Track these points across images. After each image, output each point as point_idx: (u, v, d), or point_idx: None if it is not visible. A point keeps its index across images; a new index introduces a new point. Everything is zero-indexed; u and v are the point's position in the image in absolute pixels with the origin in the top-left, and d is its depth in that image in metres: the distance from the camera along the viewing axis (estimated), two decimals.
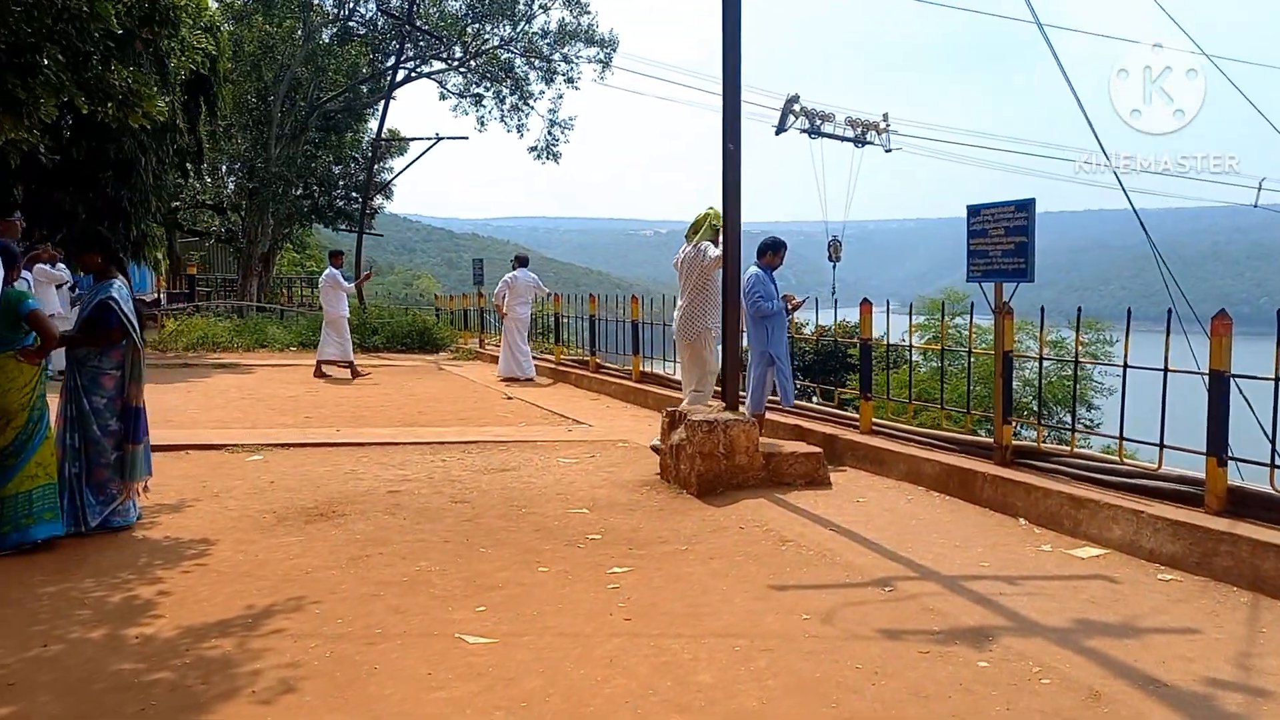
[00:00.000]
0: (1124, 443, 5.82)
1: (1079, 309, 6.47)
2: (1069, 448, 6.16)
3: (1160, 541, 5.03)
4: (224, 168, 29.44)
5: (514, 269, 14.66)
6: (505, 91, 30.80)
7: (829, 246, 37.11)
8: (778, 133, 42.73)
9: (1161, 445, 5.54)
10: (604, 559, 5.16)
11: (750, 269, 8.35)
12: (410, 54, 30.72)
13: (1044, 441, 6.58)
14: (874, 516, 6.10)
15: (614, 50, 29.53)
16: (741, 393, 7.88)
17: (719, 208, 7.86)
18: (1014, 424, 6.58)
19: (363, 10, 30.27)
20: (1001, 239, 6.37)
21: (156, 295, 27.48)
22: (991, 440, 6.59)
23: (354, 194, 39.45)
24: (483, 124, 32.49)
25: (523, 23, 29.78)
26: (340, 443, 8.62)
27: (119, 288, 5.47)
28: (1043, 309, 6.82)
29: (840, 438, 7.84)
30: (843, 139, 41.42)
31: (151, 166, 17.66)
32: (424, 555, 5.19)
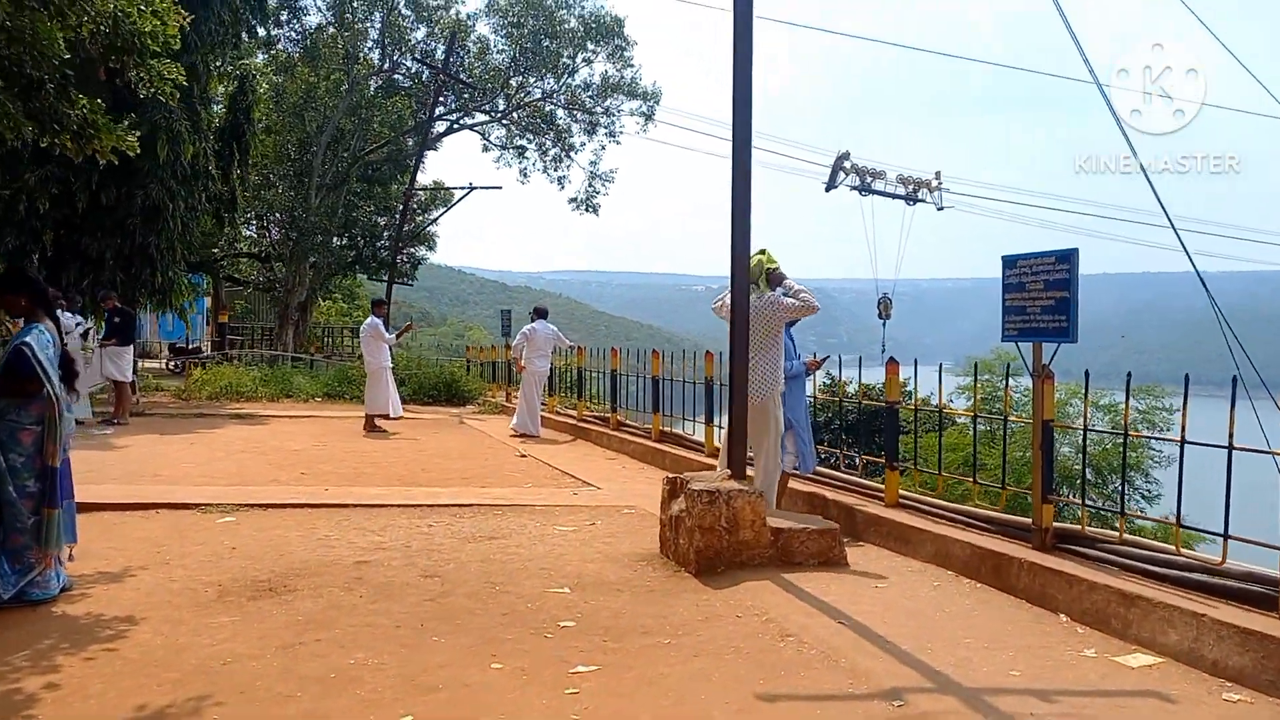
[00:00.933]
0: (1182, 529, 5.04)
1: (1129, 374, 5.73)
2: (1118, 533, 5.37)
3: (1225, 652, 4.24)
4: (265, 217, 29.48)
5: (532, 320, 14.15)
6: (548, 144, 30.67)
7: (879, 304, 36.50)
8: (828, 189, 42.21)
9: (1226, 536, 4.75)
10: (571, 653, 4.47)
11: None
12: (453, 105, 30.77)
13: (1090, 521, 5.80)
14: (892, 606, 5.35)
15: (656, 103, 29.34)
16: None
17: (770, 250, 7.27)
18: (1058, 501, 5.81)
19: (408, 64, 30.41)
20: (1040, 294, 5.66)
21: (198, 344, 27.44)
22: (1031, 520, 5.82)
23: (400, 245, 39.65)
24: (525, 175, 32.40)
25: (566, 75, 29.70)
26: (324, 504, 8.04)
27: (39, 334, 4.95)
28: (1087, 373, 6.08)
29: (862, 511, 7.10)
30: (894, 196, 40.81)
31: (180, 213, 17.52)
32: (367, 644, 4.54)
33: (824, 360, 7.92)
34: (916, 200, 40.97)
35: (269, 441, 12.50)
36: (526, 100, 29.72)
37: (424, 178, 36.53)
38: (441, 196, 38.62)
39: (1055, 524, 5.74)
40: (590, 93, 29.40)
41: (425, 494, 8.66)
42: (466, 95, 29.71)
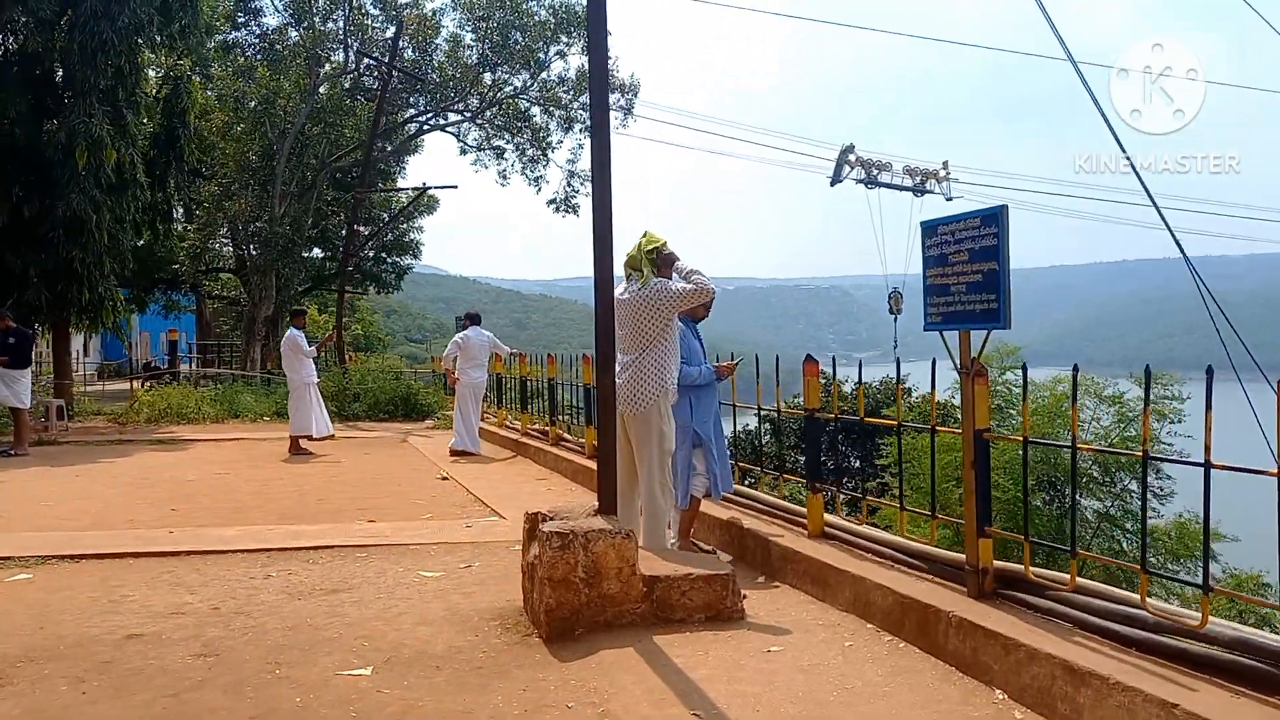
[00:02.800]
0: (1150, 577, 3.74)
1: (1075, 369, 4.42)
2: (1069, 577, 4.06)
3: None
4: (233, 229, 28.37)
5: (463, 328, 12.91)
6: (526, 144, 29.46)
7: (889, 299, 35.48)
8: (833, 183, 41.02)
9: (1207, 589, 3.45)
10: None
11: None
12: (424, 106, 29.62)
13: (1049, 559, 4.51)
14: (778, 683, 4.07)
15: (635, 95, 28.08)
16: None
17: (656, 231, 6.03)
18: (997, 535, 4.52)
19: (374, 63, 29.25)
20: (965, 268, 4.37)
21: (150, 360, 26.37)
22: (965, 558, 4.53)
23: (384, 254, 38.55)
24: (505, 178, 31.22)
25: (539, 70, 28.47)
26: (155, 551, 6.82)
27: None
28: (1025, 366, 4.78)
29: (778, 544, 5.81)
30: (901, 188, 39.59)
31: (106, 225, 16.37)
32: None
33: (739, 363, 6.64)
34: (925, 191, 39.74)
35: (168, 471, 11.31)
36: (498, 97, 28.49)
37: (405, 183, 35.50)
38: (427, 204, 37.56)
39: (998, 563, 4.45)
40: (565, 87, 28.16)
41: (288, 534, 7.43)
42: (437, 95, 28.53)
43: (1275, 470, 3.07)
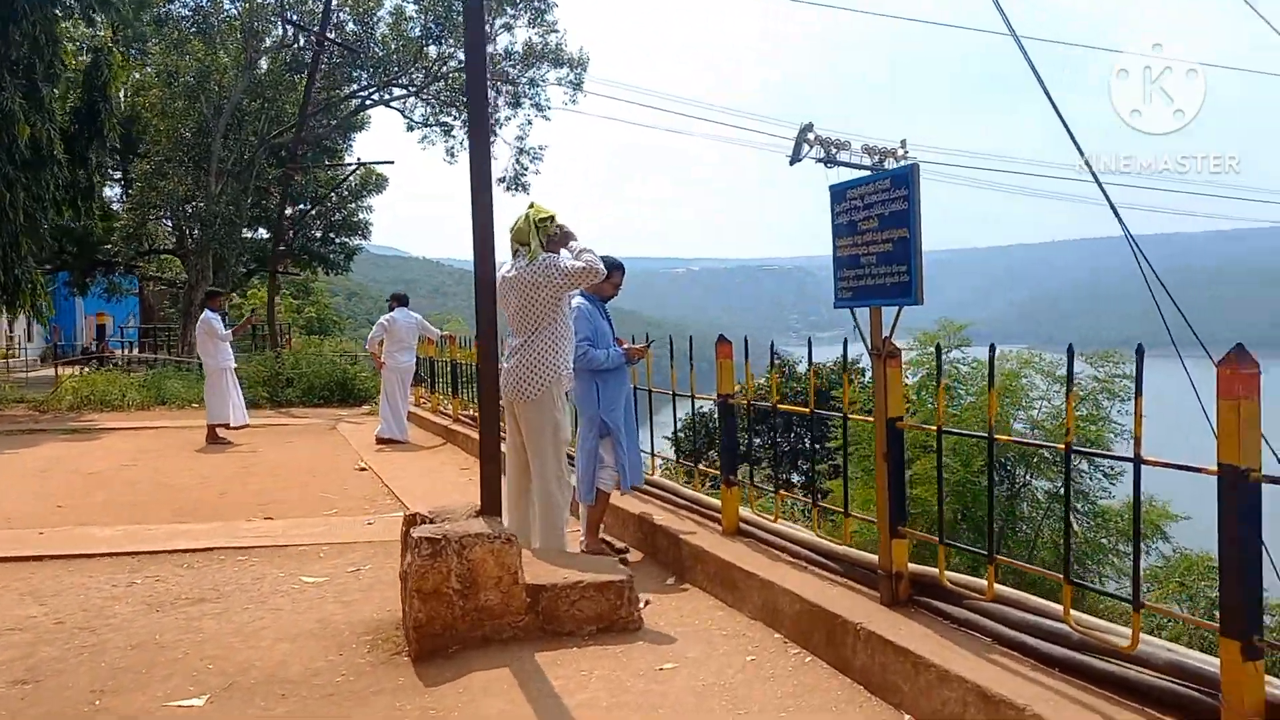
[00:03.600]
0: (1079, 589, 3.29)
1: (993, 348, 3.95)
2: (987, 584, 3.60)
3: None
4: (169, 209, 27.39)
5: (391, 309, 12.30)
6: None
7: None
8: (792, 162, 40.49)
9: (1137, 605, 3.00)
10: None
11: (573, 302, 5.92)
12: (366, 81, 28.75)
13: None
14: (668, 708, 3.59)
15: (584, 70, 27.35)
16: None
17: (544, 204, 5.51)
18: (914, 537, 4.06)
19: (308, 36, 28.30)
20: (875, 236, 3.88)
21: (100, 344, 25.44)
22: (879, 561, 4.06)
23: (332, 235, 37.62)
24: (453, 155, 30.43)
25: (491, 43, 27.63)
26: (14, 556, 6.22)
27: None
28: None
29: (689, 543, 5.32)
30: (859, 167, 39.17)
31: (22, 204, 15.54)
32: None
33: (650, 344, 6.13)
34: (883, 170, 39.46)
35: (73, 463, 10.64)
36: (444, 71, 27.67)
37: (353, 160, 34.57)
38: (376, 183, 36.68)
39: (914, 566, 3.99)
40: (512, 61, 27.38)
41: (168, 534, 6.85)
42: (380, 69, 27.67)
43: (1214, 468, 2.61)
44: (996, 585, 3.58)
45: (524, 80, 27.35)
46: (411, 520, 4.75)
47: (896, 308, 3.86)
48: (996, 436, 3.49)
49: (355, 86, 28.67)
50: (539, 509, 5.33)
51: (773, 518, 5.12)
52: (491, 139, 28.23)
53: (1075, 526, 16.20)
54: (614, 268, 5.97)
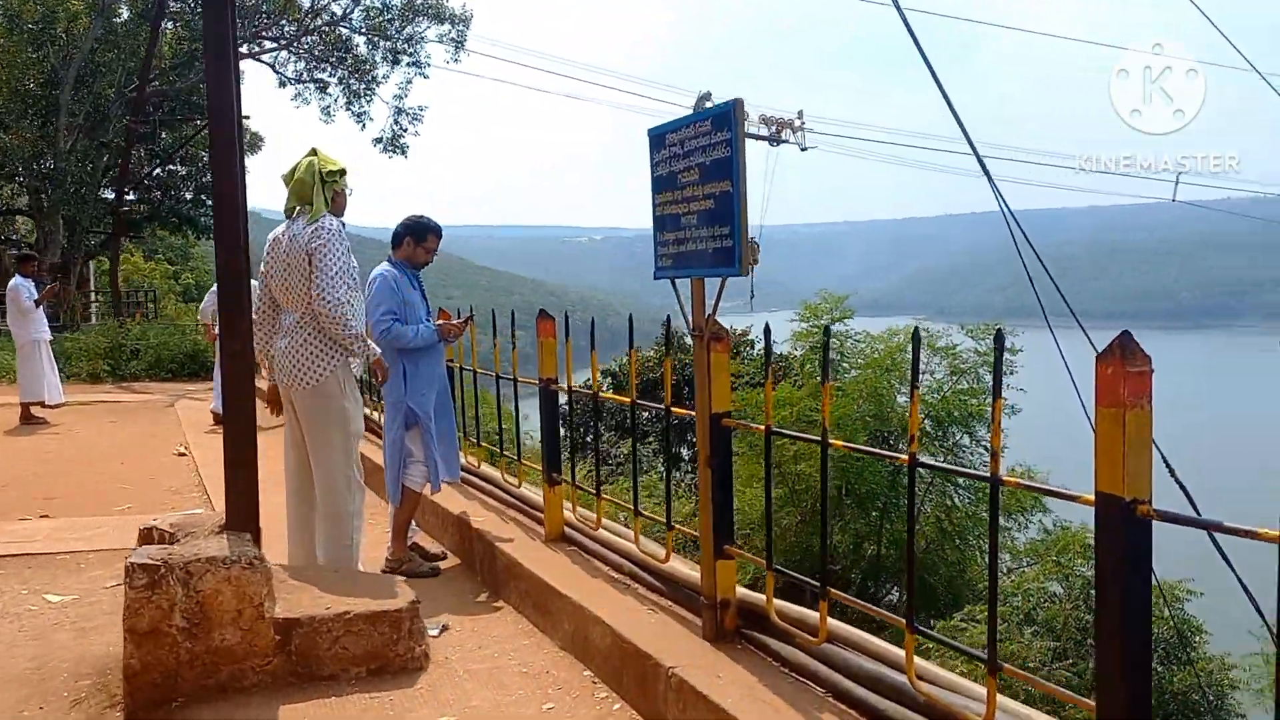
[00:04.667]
0: (919, 634, 2.62)
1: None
2: (819, 624, 2.90)
3: None
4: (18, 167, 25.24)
5: None
6: (351, 77, 27.14)
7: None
8: None
9: (993, 667, 2.32)
10: None
11: (378, 269, 5.07)
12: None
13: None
14: None
15: (466, 28, 26.07)
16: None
17: (331, 154, 4.62)
18: (740, 556, 3.34)
19: None
20: (696, 190, 3.14)
21: None
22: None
23: (204, 196, 35.52)
24: (329, 114, 28.81)
25: None
26: None
27: None
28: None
29: (503, 552, 4.55)
30: (757, 138, 38.81)
31: None
32: None
33: (466, 322, 5.31)
34: (780, 141, 39.10)
35: None
36: (316, 25, 26.08)
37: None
38: (249, 141, 34.69)
39: (745, 592, 3.29)
40: (389, 15, 25.94)
41: None
42: (247, 19, 25.90)
43: (1091, 496, 1.94)
44: (834, 621, 2.90)
45: (401, 36, 25.93)
46: (147, 536, 3.88)
47: (720, 280, 3.12)
48: (832, 442, 2.79)
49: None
50: (324, 517, 4.49)
51: (594, 524, 4.38)
52: (370, 97, 26.88)
53: (956, 500, 16.01)
54: (428, 231, 5.14)
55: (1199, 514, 6.71)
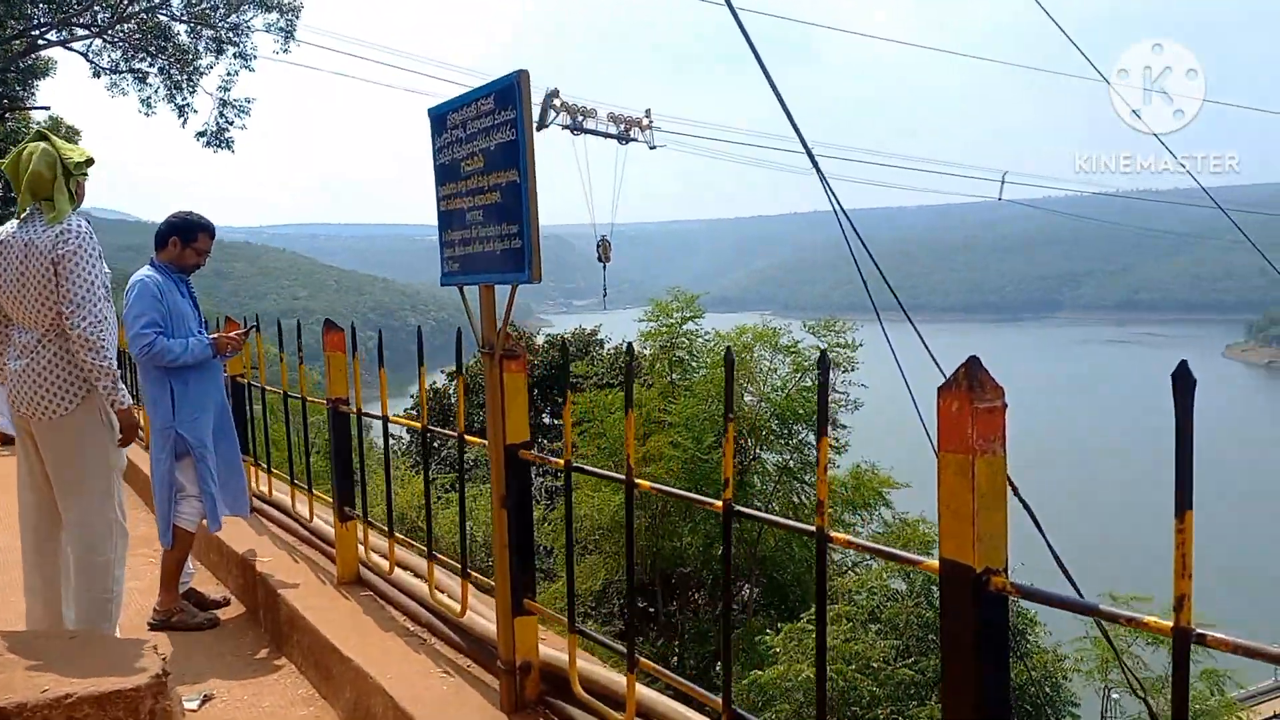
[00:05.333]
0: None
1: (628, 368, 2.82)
2: (627, 700, 2.46)
3: None
4: None
5: None
6: (169, 66, 25.38)
7: (598, 246, 34.83)
8: (538, 128, 39.26)
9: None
10: None
11: (137, 274, 4.37)
12: (41, 19, 24.85)
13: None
14: None
15: (296, 17, 24.68)
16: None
17: (75, 145, 3.88)
18: (542, 613, 2.88)
19: None
20: (482, 180, 2.64)
21: None
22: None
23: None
24: (150, 106, 26.89)
25: None
26: None
27: None
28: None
29: (286, 600, 3.94)
30: (606, 135, 38.63)
31: None
32: None
33: (247, 333, 4.67)
34: (629, 139, 39.04)
35: None
36: (130, 12, 24.26)
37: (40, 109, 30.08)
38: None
39: (548, 653, 2.82)
40: (214, 3, 24.34)
41: None
42: (56, 4, 23.91)
43: (935, 564, 1.55)
44: (647, 692, 2.46)
45: (225, 25, 24.40)
46: None
47: (510, 287, 2.64)
48: (638, 482, 2.34)
49: (32, 22, 24.68)
50: (78, 569, 3.77)
51: (388, 567, 3.82)
52: (193, 89, 25.21)
53: (802, 499, 16.03)
54: (198, 229, 4.46)
55: (1075, 585, 6.54)
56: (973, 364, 1.46)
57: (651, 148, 39.18)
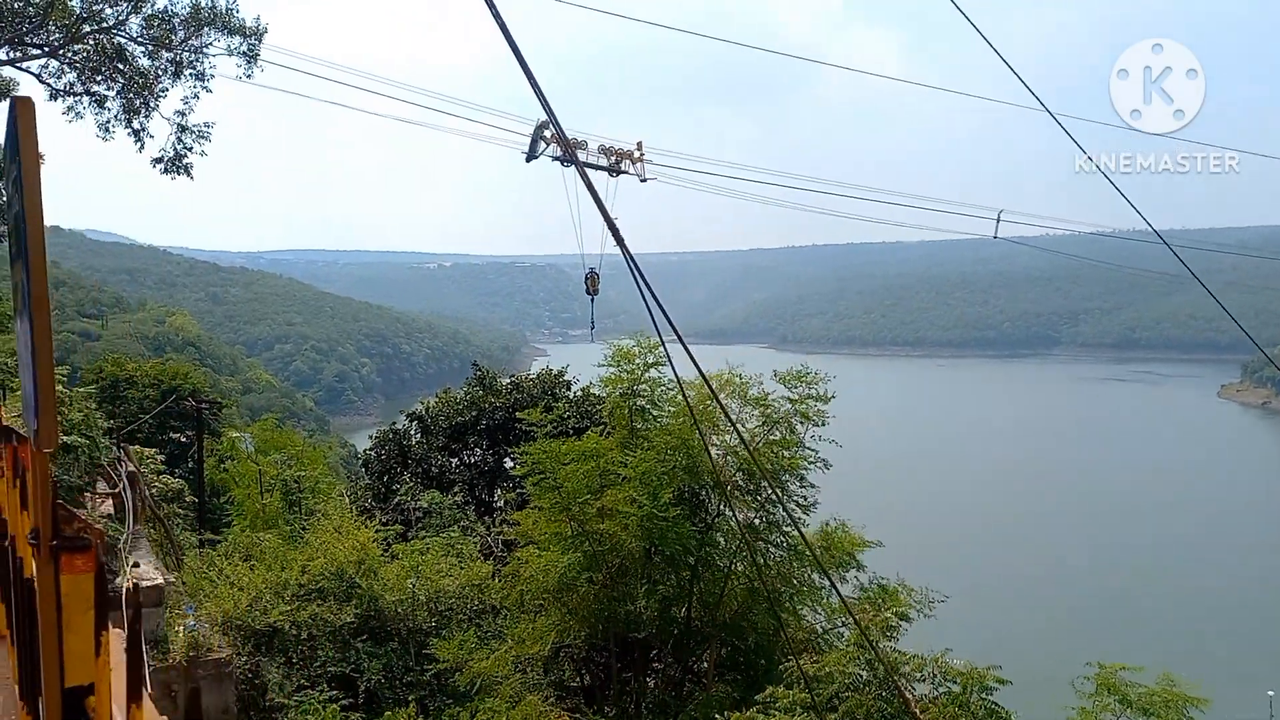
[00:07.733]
0: None
1: None
2: None
3: None
4: None
5: None
6: (126, 89, 24.51)
7: (586, 279, 34.43)
8: (529, 159, 38.59)
9: None
10: None
11: None
12: None
13: None
14: None
15: (259, 40, 23.84)
16: None
17: None
18: None
19: None
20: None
21: None
22: None
23: None
24: (108, 130, 25.97)
25: (144, 4, 23.61)
26: None
27: None
28: None
29: None
30: (597, 167, 37.98)
31: None
32: None
33: None
34: (620, 172, 38.39)
35: None
36: (84, 33, 23.41)
37: None
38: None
39: None
40: (171, 26, 23.51)
41: None
42: (6, 23, 23.06)
43: None
44: None
45: (184, 48, 23.55)
46: None
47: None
48: None
49: None
50: None
51: None
52: (149, 113, 24.29)
53: (762, 560, 14.94)
54: None
55: None
56: None
57: (643, 180, 38.45)
